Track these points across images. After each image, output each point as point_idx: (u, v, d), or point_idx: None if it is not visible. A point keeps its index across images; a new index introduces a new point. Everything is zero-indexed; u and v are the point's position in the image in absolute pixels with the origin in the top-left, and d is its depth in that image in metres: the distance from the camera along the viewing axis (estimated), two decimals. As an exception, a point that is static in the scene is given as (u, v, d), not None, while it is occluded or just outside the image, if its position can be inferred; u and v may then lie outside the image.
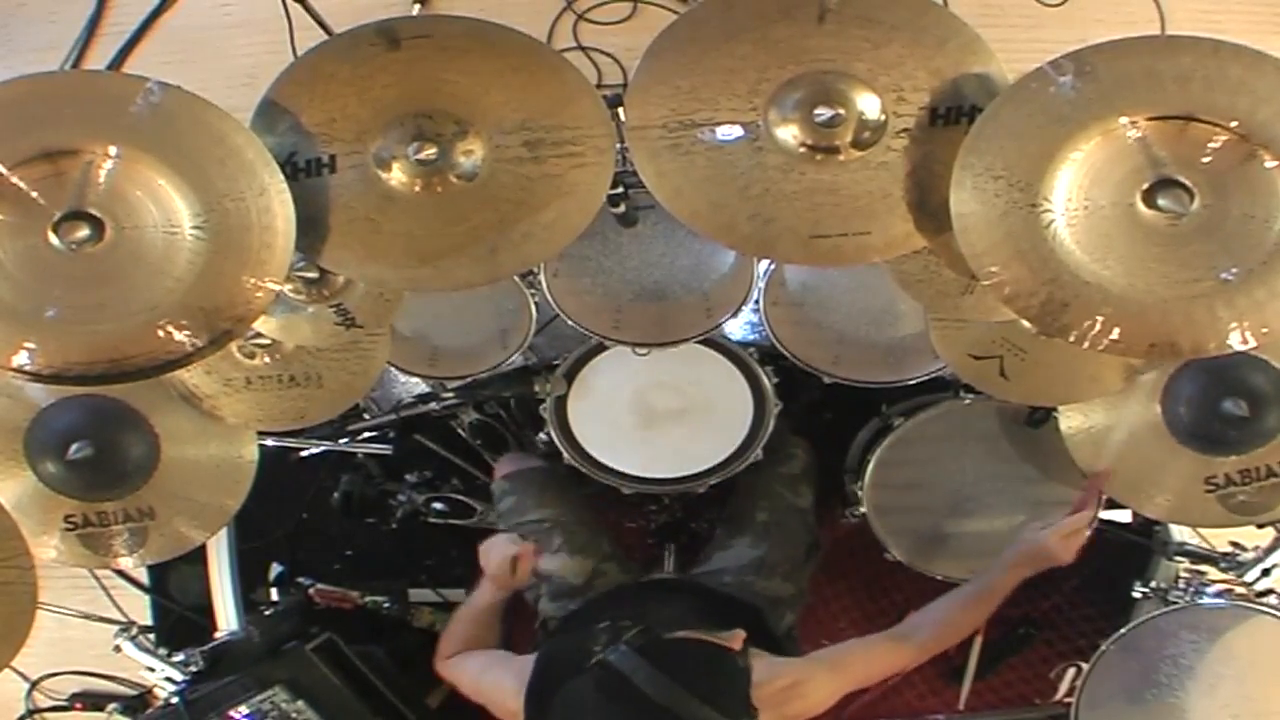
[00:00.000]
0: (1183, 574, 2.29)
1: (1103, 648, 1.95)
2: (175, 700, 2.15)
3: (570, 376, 2.35)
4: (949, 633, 1.95)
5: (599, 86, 2.71)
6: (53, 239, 1.38)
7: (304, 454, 2.59)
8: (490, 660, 1.99)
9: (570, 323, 2.21)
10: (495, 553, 2.02)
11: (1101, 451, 1.97)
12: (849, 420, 2.55)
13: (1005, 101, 1.44)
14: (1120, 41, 1.42)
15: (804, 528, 2.33)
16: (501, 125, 1.55)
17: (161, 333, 1.42)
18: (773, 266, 2.24)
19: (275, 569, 2.74)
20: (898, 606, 2.66)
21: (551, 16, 2.87)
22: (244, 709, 2.13)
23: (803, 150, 1.52)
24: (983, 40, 1.53)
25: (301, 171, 1.53)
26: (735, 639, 1.69)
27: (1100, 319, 1.39)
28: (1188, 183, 1.37)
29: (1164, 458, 1.90)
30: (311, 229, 1.53)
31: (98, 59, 2.97)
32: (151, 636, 2.23)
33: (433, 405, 2.44)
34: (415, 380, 2.51)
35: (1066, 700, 2.25)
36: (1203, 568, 2.25)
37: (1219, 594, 2.02)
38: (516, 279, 2.19)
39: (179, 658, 2.21)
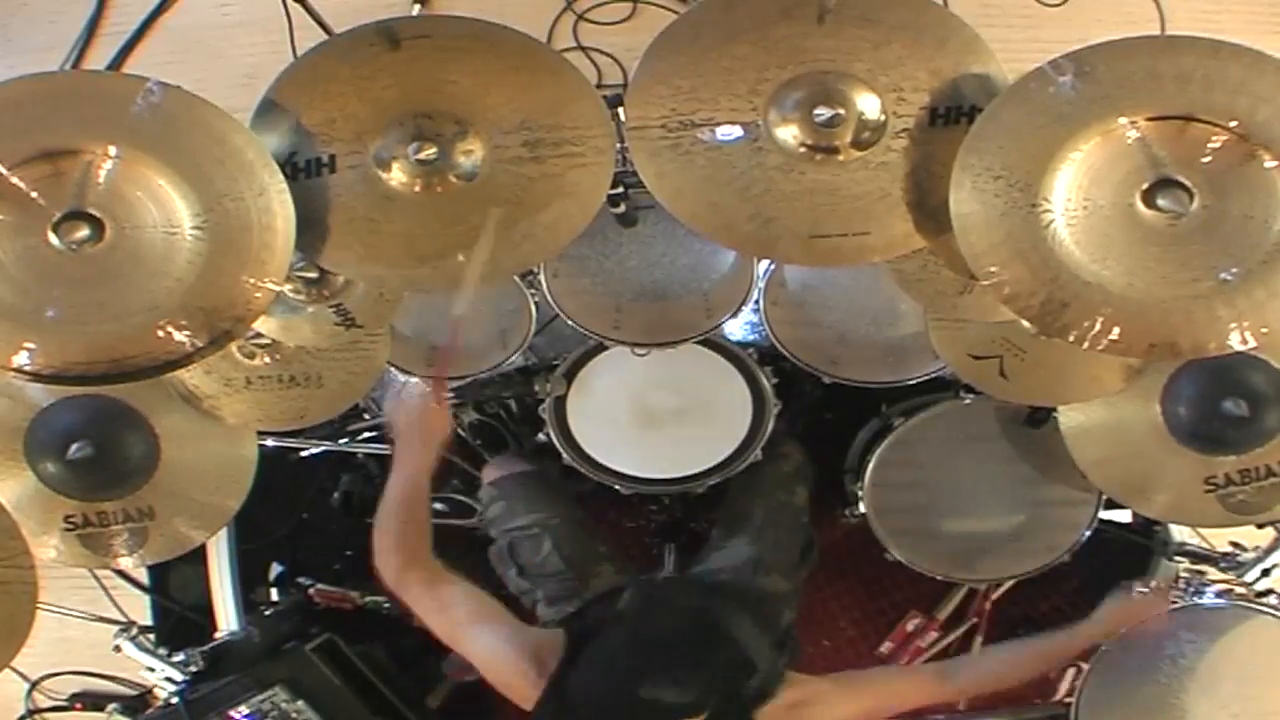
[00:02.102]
0: (1183, 574, 2.29)
1: (1103, 647, 1.95)
2: (175, 700, 2.15)
3: (570, 376, 2.35)
4: (999, 681, 1.92)
5: (599, 86, 2.71)
6: (53, 239, 1.38)
7: (304, 454, 2.59)
8: (500, 635, 1.74)
9: (570, 323, 2.21)
10: (406, 408, 1.81)
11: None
12: (849, 420, 2.55)
13: (1005, 101, 1.44)
14: (1120, 41, 1.42)
15: (799, 526, 2.33)
16: (501, 125, 1.55)
17: (161, 333, 1.42)
18: (773, 266, 2.24)
19: (275, 569, 2.74)
20: (898, 606, 2.67)
21: (551, 16, 2.87)
22: (244, 709, 2.13)
23: (803, 150, 1.52)
24: (983, 40, 1.53)
25: (301, 171, 1.53)
26: None
27: (1100, 319, 1.39)
28: (1187, 183, 1.37)
29: (1164, 458, 1.90)
30: (311, 229, 1.53)
31: (98, 59, 2.97)
32: (151, 636, 2.23)
33: (433, 405, 2.44)
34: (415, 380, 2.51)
35: (1066, 700, 2.25)
36: (1203, 568, 2.25)
37: (1219, 594, 2.02)
38: (516, 279, 2.19)
39: (179, 658, 2.21)
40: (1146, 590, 1.90)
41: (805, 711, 1.70)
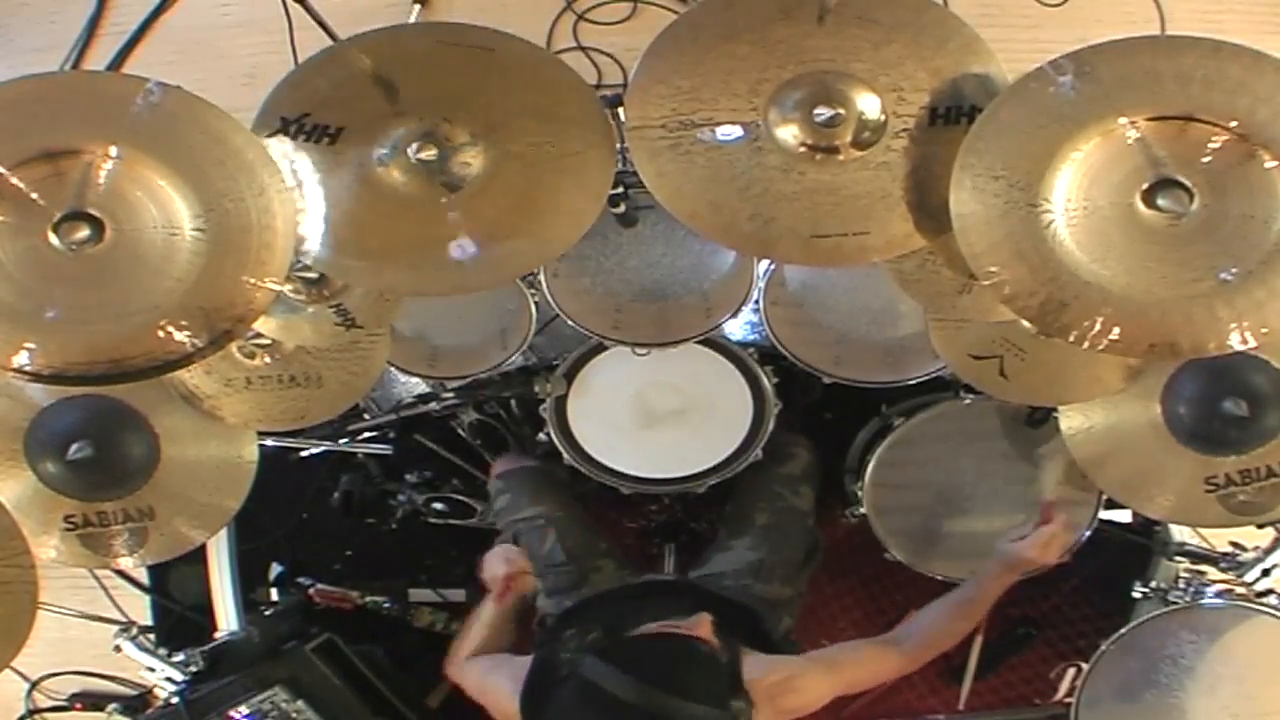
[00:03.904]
0: (1183, 574, 2.29)
1: (1103, 648, 1.95)
2: (175, 700, 2.15)
3: (570, 376, 2.35)
4: (937, 641, 1.96)
5: (599, 86, 2.72)
6: (53, 239, 1.38)
7: (304, 454, 2.59)
8: (492, 663, 2.01)
9: (570, 323, 2.21)
10: (491, 568, 2.12)
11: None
12: (849, 420, 2.55)
13: (1005, 101, 1.44)
14: (1120, 41, 1.42)
15: (804, 530, 2.33)
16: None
17: (161, 333, 1.42)
18: (773, 266, 2.24)
19: (275, 569, 2.75)
20: (898, 606, 2.66)
21: (551, 16, 2.88)
22: (244, 709, 2.13)
23: (803, 150, 1.52)
24: (983, 40, 1.53)
25: (304, 133, 1.52)
26: (700, 624, 1.71)
27: (1100, 319, 1.39)
28: (1187, 183, 1.36)
29: (1164, 458, 1.90)
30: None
31: (98, 59, 2.98)
32: (151, 636, 2.23)
33: (433, 405, 2.44)
34: (415, 380, 2.51)
35: (1066, 700, 2.25)
36: (1203, 568, 2.25)
37: (1219, 594, 2.02)
38: (516, 279, 2.19)
39: (179, 658, 2.21)
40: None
41: (790, 684, 1.78)
